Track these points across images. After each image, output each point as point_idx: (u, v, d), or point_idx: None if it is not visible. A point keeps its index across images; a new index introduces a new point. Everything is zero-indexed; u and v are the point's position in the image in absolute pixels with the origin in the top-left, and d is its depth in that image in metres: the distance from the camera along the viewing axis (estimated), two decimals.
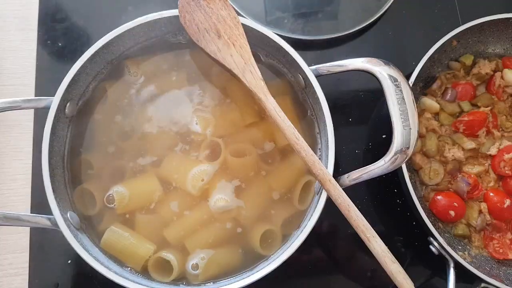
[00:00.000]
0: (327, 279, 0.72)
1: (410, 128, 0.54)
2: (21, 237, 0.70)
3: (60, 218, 0.55)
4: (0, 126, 0.75)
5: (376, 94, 0.78)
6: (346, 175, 0.56)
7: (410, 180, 0.65)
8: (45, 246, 0.70)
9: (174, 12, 0.61)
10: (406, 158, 0.54)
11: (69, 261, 0.68)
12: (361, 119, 0.78)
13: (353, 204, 0.54)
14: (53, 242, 0.69)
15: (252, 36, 0.61)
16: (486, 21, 0.72)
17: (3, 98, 0.57)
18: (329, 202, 0.55)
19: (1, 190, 0.72)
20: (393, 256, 0.52)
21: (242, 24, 0.60)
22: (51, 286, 0.68)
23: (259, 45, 0.64)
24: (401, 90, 0.55)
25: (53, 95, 0.58)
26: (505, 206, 0.68)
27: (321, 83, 0.59)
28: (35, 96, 0.76)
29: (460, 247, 0.68)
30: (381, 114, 0.78)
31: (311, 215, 0.56)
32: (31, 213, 0.70)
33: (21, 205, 0.71)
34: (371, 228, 0.53)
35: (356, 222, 0.53)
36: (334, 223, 0.72)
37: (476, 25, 0.72)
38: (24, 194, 0.72)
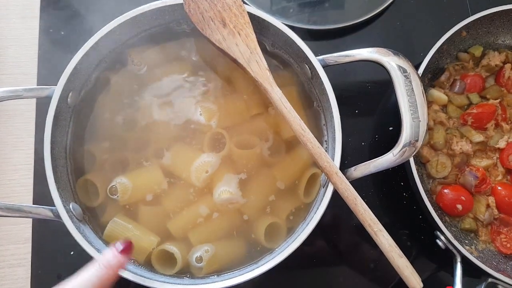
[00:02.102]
0: (331, 270, 0.71)
1: (419, 120, 0.53)
2: (23, 228, 0.70)
3: (62, 210, 0.54)
4: (2, 115, 0.74)
5: (383, 85, 0.77)
6: (353, 168, 0.55)
7: (417, 173, 0.64)
8: (47, 237, 0.69)
9: (178, 0, 0.60)
10: (415, 151, 0.53)
11: (72, 252, 0.68)
12: (367, 111, 0.77)
13: (360, 198, 0.53)
14: (55, 233, 0.69)
15: (258, 25, 0.60)
16: (496, 12, 0.70)
17: (5, 86, 0.56)
18: (334, 194, 0.55)
19: (3, 180, 0.72)
20: (400, 251, 0.51)
21: (248, 12, 0.59)
22: (53, 277, 0.68)
23: (265, 34, 0.62)
24: (410, 81, 0.54)
25: (56, 84, 0.57)
26: None
27: (327, 73, 0.58)
28: (38, 85, 0.75)
29: (467, 241, 0.68)
30: (388, 106, 0.77)
31: (317, 209, 0.55)
32: (33, 203, 0.70)
33: (24, 195, 0.71)
34: (378, 222, 0.52)
35: (363, 216, 0.52)
36: (338, 213, 0.72)
37: (486, 15, 0.70)
38: (27, 184, 0.71)
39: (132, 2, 0.78)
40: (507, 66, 0.73)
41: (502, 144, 0.70)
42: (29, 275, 0.68)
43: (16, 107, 0.74)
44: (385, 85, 0.76)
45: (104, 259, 0.46)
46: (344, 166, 0.56)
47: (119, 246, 0.48)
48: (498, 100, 0.72)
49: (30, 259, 0.69)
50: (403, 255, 0.51)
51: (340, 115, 0.57)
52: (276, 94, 0.56)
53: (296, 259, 0.54)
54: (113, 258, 0.47)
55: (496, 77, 0.74)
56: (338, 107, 0.57)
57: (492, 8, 0.70)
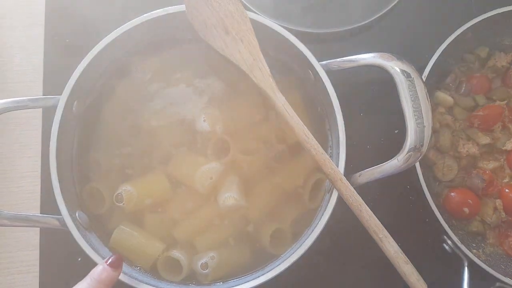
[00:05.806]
0: (341, 268, 0.71)
1: (424, 126, 0.52)
2: (32, 235, 0.71)
3: (68, 219, 0.54)
4: (9, 123, 0.75)
5: (388, 88, 0.75)
6: (357, 174, 0.55)
7: (423, 177, 0.64)
8: (55, 244, 0.70)
9: (180, 8, 0.60)
10: (420, 156, 0.52)
11: (79, 259, 0.68)
12: (372, 113, 0.76)
13: (365, 204, 0.53)
14: (63, 240, 0.67)
15: (260, 31, 0.59)
16: (501, 12, 0.70)
17: (12, 95, 0.57)
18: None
19: (11, 187, 0.73)
20: (406, 257, 0.51)
21: (250, 19, 0.59)
22: (61, 284, 0.68)
23: (267, 39, 0.62)
24: (414, 86, 0.54)
25: (62, 92, 0.57)
26: None
27: (331, 75, 0.58)
28: (44, 93, 0.75)
29: (474, 245, 0.67)
30: (393, 109, 0.75)
31: (323, 214, 0.55)
32: (41, 211, 0.71)
33: (31, 202, 0.72)
34: (384, 228, 0.52)
35: (368, 223, 0.52)
36: (346, 211, 0.71)
37: (491, 16, 0.69)
38: (34, 191, 0.72)
39: (136, 10, 0.78)
40: None
41: (509, 146, 0.69)
42: (38, 281, 0.69)
43: (23, 115, 0.75)
44: (390, 87, 0.75)
45: (95, 274, 0.48)
46: (349, 170, 0.56)
47: (108, 260, 0.49)
48: (505, 102, 0.71)
49: (38, 266, 0.69)
50: (409, 261, 0.51)
51: (345, 118, 0.57)
52: (279, 100, 0.56)
53: (302, 261, 0.54)
54: (103, 272, 0.48)
55: (502, 78, 0.74)
56: (343, 109, 0.57)
57: (498, 9, 0.69)
